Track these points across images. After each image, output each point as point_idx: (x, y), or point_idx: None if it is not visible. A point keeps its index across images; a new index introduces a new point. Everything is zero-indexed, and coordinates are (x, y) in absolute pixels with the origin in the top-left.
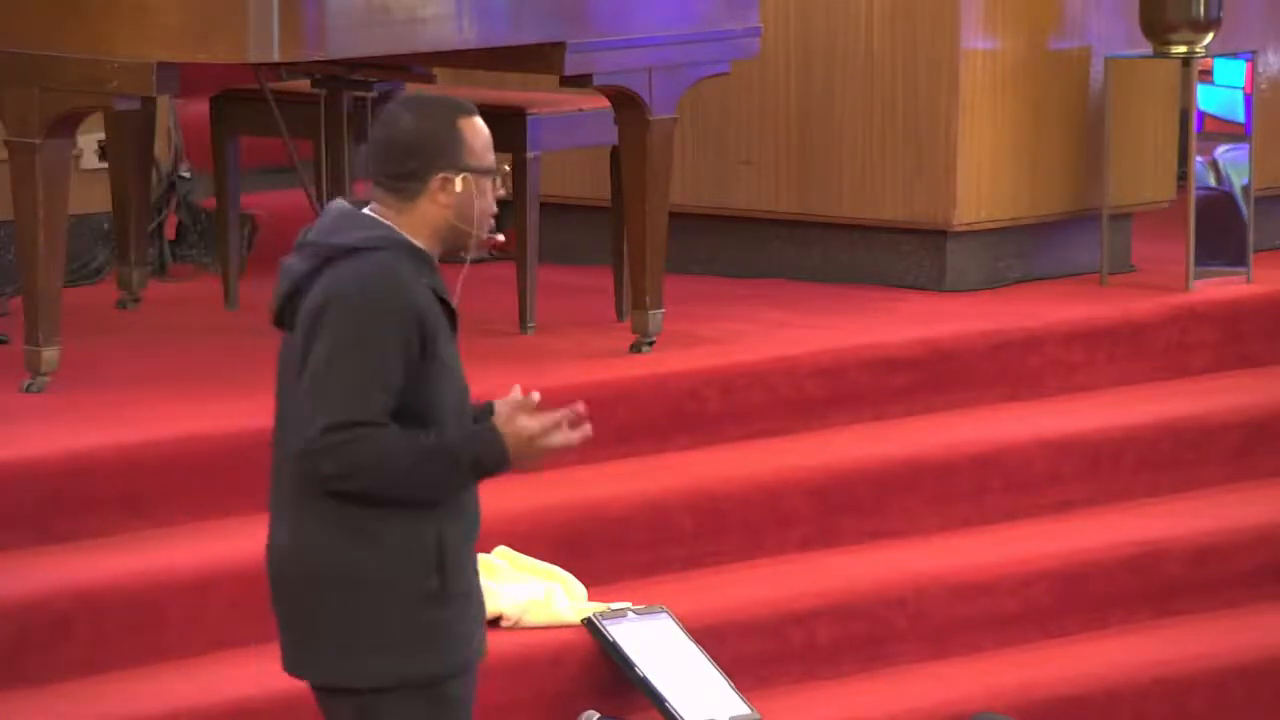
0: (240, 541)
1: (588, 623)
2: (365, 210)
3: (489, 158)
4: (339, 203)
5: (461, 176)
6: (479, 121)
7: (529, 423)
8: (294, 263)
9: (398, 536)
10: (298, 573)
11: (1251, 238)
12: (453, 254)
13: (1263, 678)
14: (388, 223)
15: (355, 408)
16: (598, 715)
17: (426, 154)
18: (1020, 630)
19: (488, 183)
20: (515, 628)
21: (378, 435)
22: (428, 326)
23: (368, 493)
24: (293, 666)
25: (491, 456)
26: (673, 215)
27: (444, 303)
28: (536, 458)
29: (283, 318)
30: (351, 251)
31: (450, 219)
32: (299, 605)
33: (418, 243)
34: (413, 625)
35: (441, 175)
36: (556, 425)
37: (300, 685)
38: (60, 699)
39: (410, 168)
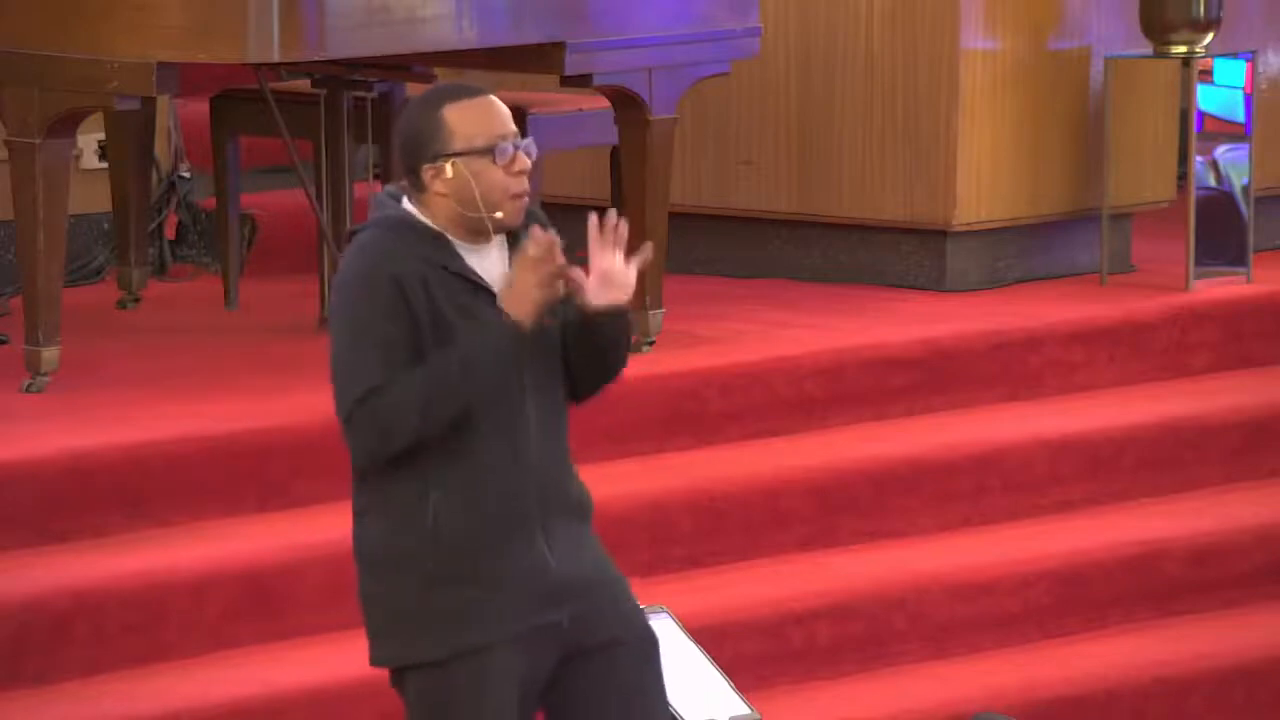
0: (240, 541)
1: None
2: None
3: (480, 138)
4: (375, 193)
5: (450, 163)
6: (474, 102)
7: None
8: None
9: (396, 516)
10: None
11: (1251, 238)
12: (481, 237)
13: (1263, 678)
14: (404, 206)
15: (360, 381)
16: None
17: (412, 148)
18: (1020, 630)
19: (482, 162)
20: None
21: (386, 394)
22: (416, 292)
23: (414, 440)
24: None
25: (490, 327)
26: (673, 215)
27: (461, 277)
28: (538, 298)
29: None
30: (351, 238)
31: (454, 206)
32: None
33: (432, 224)
34: (414, 607)
35: (429, 167)
36: (552, 274)
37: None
38: (60, 699)
39: (407, 163)
